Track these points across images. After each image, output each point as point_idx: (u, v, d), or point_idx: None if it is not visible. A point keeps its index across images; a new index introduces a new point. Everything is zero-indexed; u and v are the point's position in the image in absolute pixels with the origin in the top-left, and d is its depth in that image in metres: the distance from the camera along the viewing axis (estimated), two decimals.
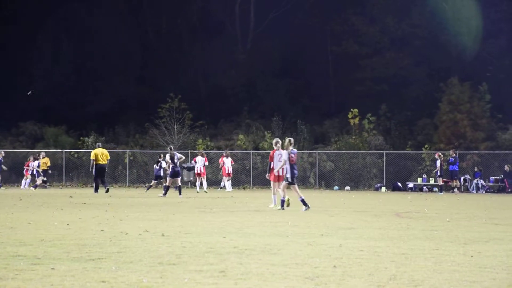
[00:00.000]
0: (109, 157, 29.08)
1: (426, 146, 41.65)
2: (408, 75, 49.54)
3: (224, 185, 34.33)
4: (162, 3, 55.94)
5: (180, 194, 26.01)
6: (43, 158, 36.53)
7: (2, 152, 36.38)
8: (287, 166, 17.58)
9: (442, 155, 34.17)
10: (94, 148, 31.52)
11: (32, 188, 32.99)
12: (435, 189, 35.92)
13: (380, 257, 8.09)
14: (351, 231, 11.57)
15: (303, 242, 9.55)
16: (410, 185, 37.89)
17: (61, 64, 53.04)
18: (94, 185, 29.47)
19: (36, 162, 35.64)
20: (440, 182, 33.87)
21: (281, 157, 18.09)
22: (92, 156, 28.43)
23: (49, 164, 36.72)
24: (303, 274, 6.79)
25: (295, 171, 17.63)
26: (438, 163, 33.36)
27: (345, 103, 47.11)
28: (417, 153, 40.95)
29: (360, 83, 49.91)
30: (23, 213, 15.70)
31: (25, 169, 37.55)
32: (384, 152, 40.32)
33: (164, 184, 26.72)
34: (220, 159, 35.40)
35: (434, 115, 43.63)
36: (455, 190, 34.48)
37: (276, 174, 18.38)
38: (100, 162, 28.24)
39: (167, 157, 26.28)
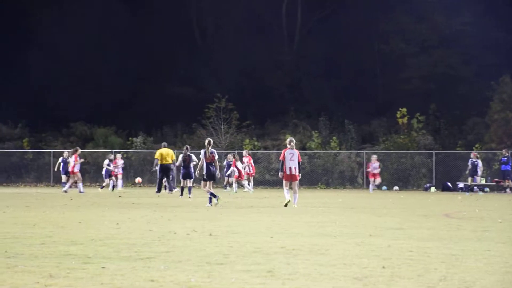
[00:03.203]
0: (174, 158, 28.01)
1: (477, 145, 40.91)
2: (457, 73, 48.77)
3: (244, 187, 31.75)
4: (208, 2, 56.20)
5: (169, 190, 25.72)
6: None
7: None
8: (204, 164, 19.04)
9: (478, 155, 33.47)
10: (158, 148, 29.65)
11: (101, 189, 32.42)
12: (486, 189, 35.28)
13: (430, 258, 7.98)
14: (400, 231, 11.43)
15: (351, 242, 9.48)
16: (461, 185, 37.26)
17: (109, 64, 53.59)
18: (156, 185, 28.65)
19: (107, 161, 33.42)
20: (469, 182, 33.19)
21: (293, 155, 18.84)
22: (157, 156, 27.74)
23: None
24: (352, 274, 6.74)
25: (212, 169, 19.05)
26: (471, 162, 32.57)
27: (392, 102, 46.61)
28: (467, 152, 40.12)
29: (408, 82, 49.36)
30: (74, 212, 15.98)
31: (113, 169, 33.32)
32: (434, 151, 39.76)
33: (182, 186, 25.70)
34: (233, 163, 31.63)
35: (485, 114, 42.86)
36: (507, 190, 33.78)
37: (288, 173, 18.83)
38: (165, 162, 27.78)
39: (180, 158, 25.69)
